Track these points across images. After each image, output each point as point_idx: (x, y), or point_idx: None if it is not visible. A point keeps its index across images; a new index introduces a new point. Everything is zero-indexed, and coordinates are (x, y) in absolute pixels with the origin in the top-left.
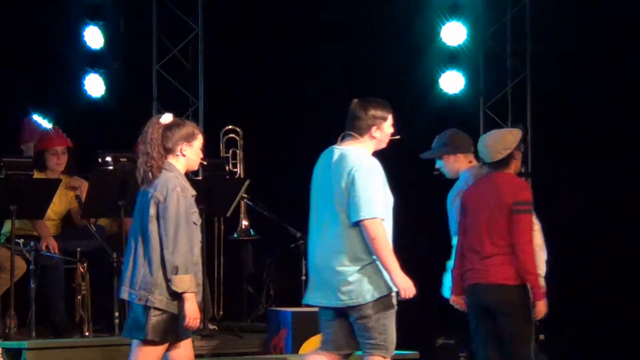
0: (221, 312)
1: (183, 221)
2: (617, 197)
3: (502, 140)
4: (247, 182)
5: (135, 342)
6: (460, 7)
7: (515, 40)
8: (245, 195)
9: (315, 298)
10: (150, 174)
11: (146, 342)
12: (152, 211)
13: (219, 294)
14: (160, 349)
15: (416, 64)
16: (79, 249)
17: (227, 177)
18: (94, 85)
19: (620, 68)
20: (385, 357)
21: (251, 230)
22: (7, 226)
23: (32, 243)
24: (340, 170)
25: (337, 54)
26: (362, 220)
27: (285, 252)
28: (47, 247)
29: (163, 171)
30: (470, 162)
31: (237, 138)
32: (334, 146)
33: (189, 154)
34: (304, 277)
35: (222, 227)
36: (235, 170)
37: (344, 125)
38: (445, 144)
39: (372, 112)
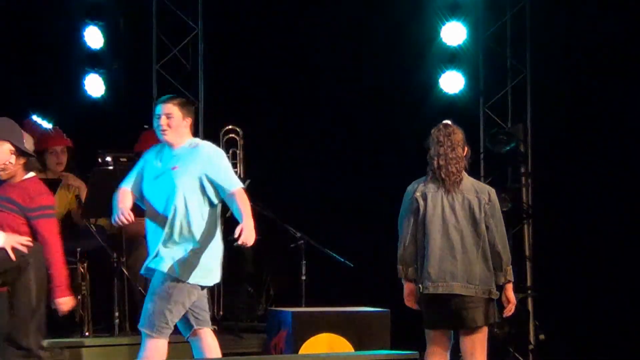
0: (221, 312)
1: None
2: (618, 196)
3: None
4: (247, 182)
5: (475, 333)
6: (460, 7)
7: (515, 40)
8: None
9: None
10: (458, 176)
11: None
12: (483, 214)
13: (219, 294)
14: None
15: (416, 64)
16: (79, 249)
17: None
18: (94, 85)
19: (620, 67)
20: None
21: None
22: None
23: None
24: None
25: (337, 55)
26: None
27: (285, 252)
28: None
29: (465, 174)
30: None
31: (237, 138)
32: None
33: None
34: (304, 277)
35: (222, 227)
36: (235, 170)
37: (343, 125)
38: None
39: None
